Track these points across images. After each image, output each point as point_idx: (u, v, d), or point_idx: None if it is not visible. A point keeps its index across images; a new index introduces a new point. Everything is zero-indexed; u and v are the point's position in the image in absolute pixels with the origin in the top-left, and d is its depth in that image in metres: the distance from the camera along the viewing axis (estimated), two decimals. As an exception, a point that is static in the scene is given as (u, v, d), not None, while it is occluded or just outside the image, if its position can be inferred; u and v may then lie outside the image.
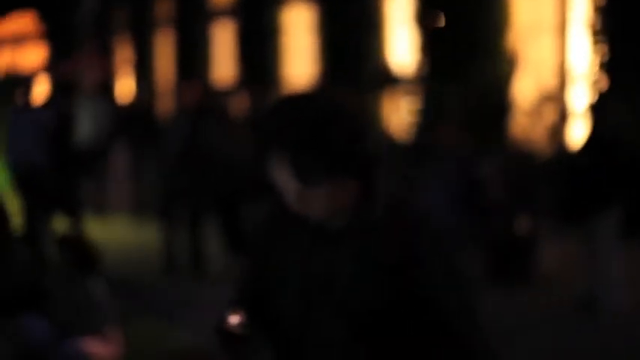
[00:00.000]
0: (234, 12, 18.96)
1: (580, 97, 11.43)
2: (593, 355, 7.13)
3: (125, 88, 25.48)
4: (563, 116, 11.76)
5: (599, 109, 8.03)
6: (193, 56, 22.85)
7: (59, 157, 10.19)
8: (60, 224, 10.20)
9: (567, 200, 8.39)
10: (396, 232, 2.41)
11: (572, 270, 8.75)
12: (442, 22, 12.04)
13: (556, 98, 11.72)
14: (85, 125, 12.91)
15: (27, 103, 10.64)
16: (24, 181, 10.52)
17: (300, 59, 20.23)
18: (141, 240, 12.32)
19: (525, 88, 12.08)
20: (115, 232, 12.98)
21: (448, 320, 2.39)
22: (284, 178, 2.40)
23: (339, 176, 2.38)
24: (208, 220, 11.71)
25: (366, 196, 2.44)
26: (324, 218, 2.43)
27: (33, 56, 24.73)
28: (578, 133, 11.18)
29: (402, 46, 13.72)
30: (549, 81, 11.85)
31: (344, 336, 2.41)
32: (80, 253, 6.68)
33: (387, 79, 13.92)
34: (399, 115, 13.46)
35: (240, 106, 9.83)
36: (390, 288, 2.38)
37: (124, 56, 26.63)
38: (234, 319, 2.46)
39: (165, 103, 15.62)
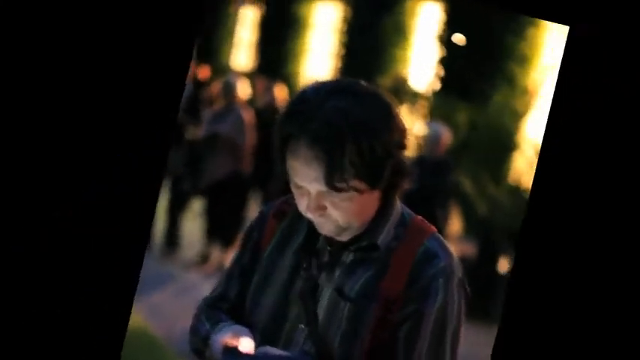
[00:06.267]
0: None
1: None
2: None
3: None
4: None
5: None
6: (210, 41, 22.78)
7: None
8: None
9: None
10: (404, 261, 2.08)
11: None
12: (465, 42, 11.82)
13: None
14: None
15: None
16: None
17: (317, 56, 20.08)
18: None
19: (538, 126, 11.84)
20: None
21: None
22: (305, 177, 2.02)
23: (370, 184, 2.02)
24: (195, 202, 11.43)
25: (382, 213, 2.11)
26: (335, 230, 2.08)
27: None
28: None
29: (421, 59, 13.52)
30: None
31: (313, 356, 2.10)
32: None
33: (401, 91, 13.69)
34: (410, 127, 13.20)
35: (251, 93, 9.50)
36: (378, 323, 2.05)
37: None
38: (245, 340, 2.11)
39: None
